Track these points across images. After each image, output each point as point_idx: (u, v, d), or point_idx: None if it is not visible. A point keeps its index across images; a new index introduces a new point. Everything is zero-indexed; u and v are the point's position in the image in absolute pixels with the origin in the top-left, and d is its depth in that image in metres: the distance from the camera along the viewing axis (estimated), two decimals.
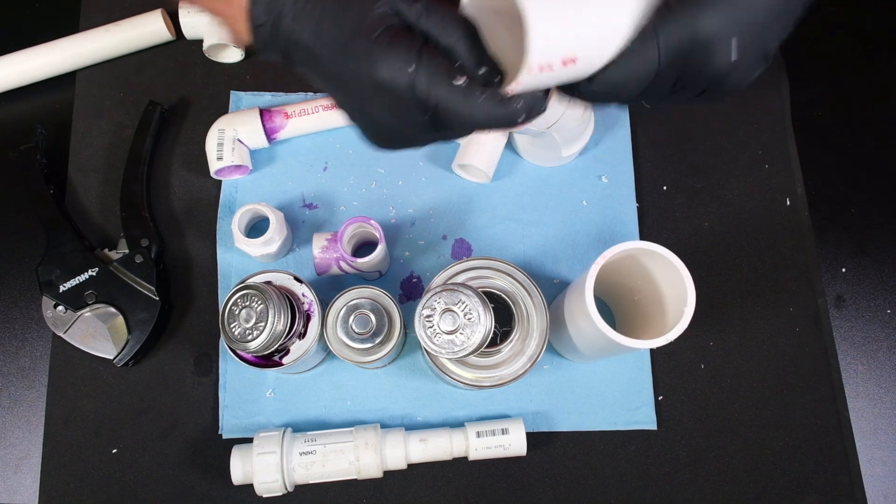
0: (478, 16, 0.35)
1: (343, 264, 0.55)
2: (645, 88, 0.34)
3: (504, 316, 0.49)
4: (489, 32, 0.35)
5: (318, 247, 0.55)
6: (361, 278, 0.59)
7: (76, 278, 0.57)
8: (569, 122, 0.54)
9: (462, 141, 0.60)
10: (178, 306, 0.59)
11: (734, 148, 0.63)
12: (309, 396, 0.57)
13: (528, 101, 0.34)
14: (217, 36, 0.63)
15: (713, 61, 0.33)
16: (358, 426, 0.54)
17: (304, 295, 0.51)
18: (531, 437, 0.55)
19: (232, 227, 0.56)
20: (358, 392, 0.57)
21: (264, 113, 0.61)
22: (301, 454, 0.52)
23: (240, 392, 0.57)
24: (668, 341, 0.42)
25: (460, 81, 0.34)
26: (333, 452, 0.52)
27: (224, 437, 0.56)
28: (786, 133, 0.63)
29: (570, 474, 0.55)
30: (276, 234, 0.56)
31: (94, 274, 0.57)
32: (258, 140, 0.61)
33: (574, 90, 0.35)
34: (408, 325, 0.55)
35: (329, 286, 0.58)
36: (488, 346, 0.46)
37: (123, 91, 0.65)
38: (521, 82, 0.32)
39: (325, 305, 0.51)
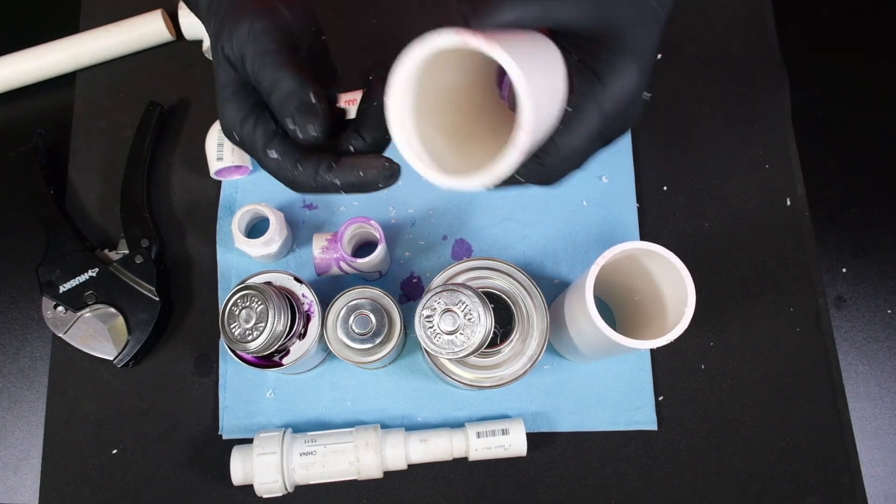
0: (421, 95, 0.34)
1: (343, 265, 0.55)
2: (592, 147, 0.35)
3: (504, 316, 0.49)
4: (433, 115, 0.34)
5: (318, 247, 0.55)
6: (361, 279, 0.59)
7: (76, 279, 0.57)
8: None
9: None
10: (178, 307, 0.59)
11: (734, 148, 0.63)
12: (309, 397, 0.57)
13: (347, 179, 0.36)
14: None
15: (634, 113, 0.35)
16: (358, 426, 0.54)
17: (304, 295, 0.51)
18: (531, 437, 0.55)
19: (232, 227, 0.56)
20: (358, 392, 0.57)
21: None
22: (301, 455, 0.52)
23: (240, 392, 0.57)
24: (669, 341, 0.42)
25: (273, 153, 0.36)
26: (334, 453, 0.52)
27: (224, 437, 0.56)
28: (786, 133, 0.63)
29: (570, 475, 0.55)
30: (276, 235, 0.56)
31: (94, 274, 0.57)
32: None
33: (531, 173, 0.35)
34: (408, 325, 0.55)
35: (329, 286, 0.58)
36: (488, 347, 0.46)
37: (123, 91, 0.65)
38: (521, 142, 0.31)
39: (325, 306, 0.51)
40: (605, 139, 0.36)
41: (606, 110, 0.34)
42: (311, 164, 0.36)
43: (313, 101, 0.35)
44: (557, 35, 0.34)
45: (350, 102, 0.38)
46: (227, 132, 0.38)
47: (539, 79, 0.31)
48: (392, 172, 0.37)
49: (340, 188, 0.36)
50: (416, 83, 0.33)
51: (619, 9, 0.32)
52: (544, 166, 0.35)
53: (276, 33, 0.35)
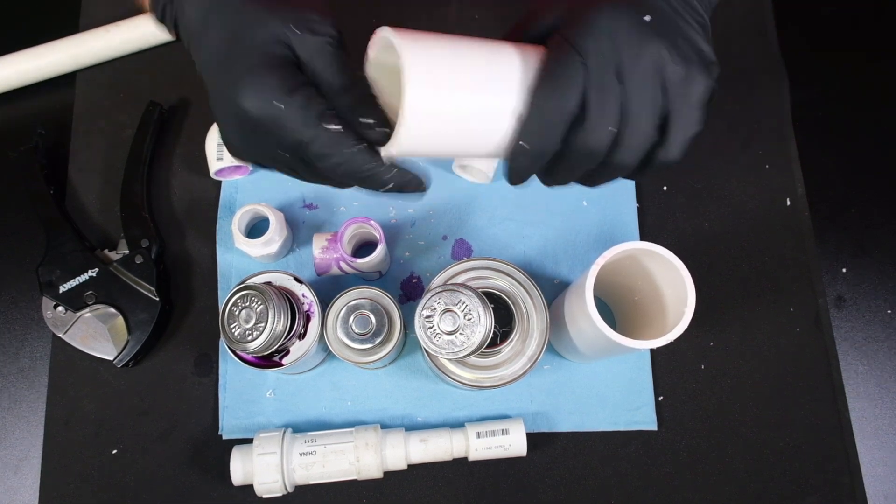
0: (379, 79, 0.35)
1: (343, 265, 0.55)
2: (552, 165, 0.35)
3: (504, 316, 0.49)
4: (390, 100, 0.34)
5: (318, 247, 0.55)
6: (361, 279, 0.59)
7: (76, 279, 0.57)
8: None
9: None
10: (178, 307, 0.59)
11: (734, 148, 0.63)
12: (309, 397, 0.57)
13: (400, 174, 0.34)
14: None
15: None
16: (358, 427, 0.54)
17: (304, 295, 0.51)
18: (531, 437, 0.55)
19: (232, 227, 0.56)
20: (358, 392, 0.57)
21: None
22: (301, 455, 0.52)
23: (240, 392, 0.57)
24: (669, 341, 0.42)
25: (333, 126, 0.33)
26: (334, 453, 0.52)
27: (224, 437, 0.56)
28: (786, 133, 0.63)
29: (570, 475, 0.55)
30: (276, 235, 0.56)
31: (94, 274, 0.57)
32: None
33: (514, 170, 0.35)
34: (408, 325, 0.55)
35: (329, 286, 0.58)
36: (488, 347, 0.46)
37: (123, 91, 0.65)
38: (397, 144, 0.32)
39: (325, 306, 0.51)
40: (534, 159, 0.34)
41: (531, 114, 0.32)
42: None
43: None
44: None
45: None
46: (259, 104, 0.32)
47: (450, 87, 0.31)
48: (423, 181, 0.36)
49: (391, 185, 0.34)
50: (383, 67, 0.35)
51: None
52: (510, 167, 0.35)
53: (343, 38, 0.35)
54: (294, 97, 0.32)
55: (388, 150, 0.33)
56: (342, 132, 0.33)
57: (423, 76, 0.31)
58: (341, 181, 0.36)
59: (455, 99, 0.32)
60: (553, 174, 0.36)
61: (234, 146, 0.37)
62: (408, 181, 0.35)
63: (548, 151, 0.34)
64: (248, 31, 0.33)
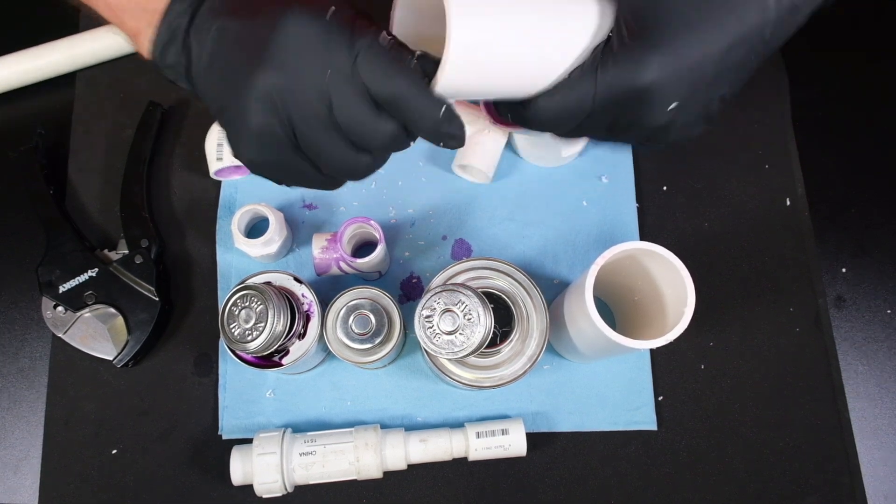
0: (416, 25, 0.34)
1: (343, 265, 0.55)
2: (578, 125, 0.33)
3: (504, 316, 0.49)
4: (430, 44, 0.34)
5: (318, 247, 0.55)
6: (361, 279, 0.59)
7: (76, 279, 0.57)
8: None
9: None
10: (178, 307, 0.59)
11: (734, 148, 0.63)
12: (309, 397, 0.57)
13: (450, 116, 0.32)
14: None
15: (648, 114, 0.32)
16: (358, 427, 0.54)
17: (303, 295, 0.51)
18: (531, 437, 0.55)
19: (232, 227, 0.56)
20: (358, 392, 0.57)
21: None
22: (301, 455, 0.52)
23: (240, 392, 0.57)
24: (668, 341, 0.42)
25: (413, 61, 0.31)
26: (333, 453, 0.52)
27: (224, 437, 0.56)
28: (786, 133, 0.63)
29: (570, 475, 0.55)
30: (275, 235, 0.56)
31: (93, 274, 0.57)
32: None
33: (515, 114, 0.34)
34: (408, 325, 0.55)
35: (329, 286, 0.58)
36: (488, 347, 0.46)
37: (123, 91, 0.65)
38: (442, 78, 0.30)
39: (324, 306, 0.51)
40: (596, 126, 0.33)
41: (598, 95, 0.31)
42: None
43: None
44: None
45: None
46: (309, 98, 0.32)
47: (499, 24, 0.30)
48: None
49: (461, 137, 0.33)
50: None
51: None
52: (526, 119, 0.34)
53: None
54: (355, 43, 0.32)
55: (434, 86, 0.31)
56: (417, 70, 0.32)
57: (468, 16, 0.29)
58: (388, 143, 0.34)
59: (503, 36, 0.30)
60: (580, 130, 0.35)
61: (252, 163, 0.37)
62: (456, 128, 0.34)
63: (587, 110, 0.33)
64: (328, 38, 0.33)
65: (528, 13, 0.31)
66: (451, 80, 0.31)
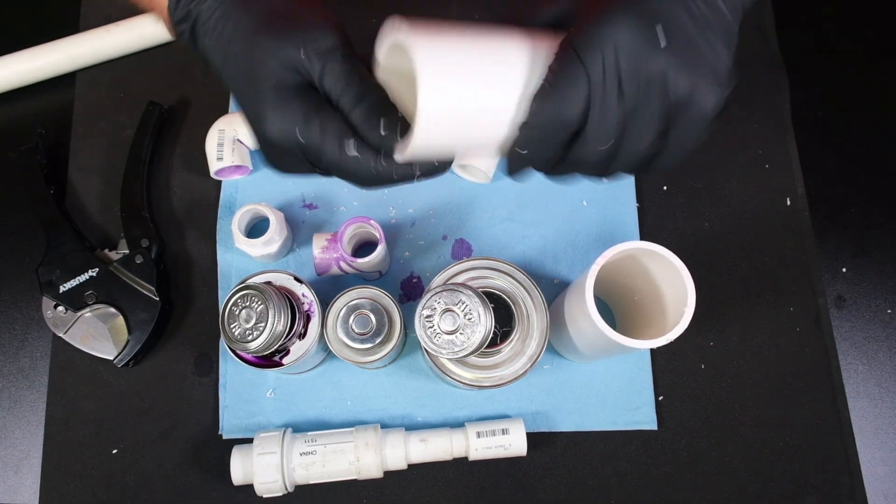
0: (391, 82, 0.35)
1: (343, 264, 0.55)
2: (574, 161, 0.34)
3: (504, 316, 0.49)
4: (403, 101, 0.35)
5: (318, 247, 0.55)
6: (361, 278, 0.59)
7: (76, 278, 0.57)
8: None
9: None
10: (179, 306, 0.59)
11: (734, 148, 0.63)
12: (309, 397, 0.57)
13: (423, 165, 0.35)
14: None
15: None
16: (358, 426, 0.54)
17: (304, 295, 0.51)
18: (531, 437, 0.55)
19: (232, 227, 0.56)
20: (358, 392, 0.57)
21: None
22: (301, 454, 0.52)
23: (240, 392, 0.57)
24: (669, 341, 0.42)
25: (351, 148, 0.34)
26: (334, 453, 0.52)
27: (224, 437, 0.56)
28: (786, 133, 0.63)
29: (570, 474, 0.55)
30: (276, 235, 0.56)
31: (94, 274, 0.57)
32: None
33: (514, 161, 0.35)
34: (408, 325, 0.55)
35: (329, 286, 0.58)
36: (488, 347, 0.46)
37: (123, 91, 0.65)
38: (412, 146, 0.32)
39: (325, 306, 0.51)
40: (534, 158, 0.34)
41: (531, 123, 0.32)
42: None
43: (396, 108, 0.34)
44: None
45: None
46: (282, 135, 0.34)
47: (463, 90, 0.31)
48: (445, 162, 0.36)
49: (419, 175, 0.35)
50: (391, 69, 0.35)
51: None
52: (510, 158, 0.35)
53: (351, 45, 0.35)
54: (311, 125, 0.34)
55: (403, 154, 0.33)
56: (361, 150, 0.34)
57: (435, 81, 0.31)
58: (369, 185, 0.37)
59: (466, 101, 0.32)
60: (551, 174, 0.36)
61: (270, 164, 0.39)
62: (434, 168, 0.35)
63: (545, 158, 0.34)
64: (260, 62, 0.34)
65: (486, 65, 0.33)
66: (420, 144, 0.32)
